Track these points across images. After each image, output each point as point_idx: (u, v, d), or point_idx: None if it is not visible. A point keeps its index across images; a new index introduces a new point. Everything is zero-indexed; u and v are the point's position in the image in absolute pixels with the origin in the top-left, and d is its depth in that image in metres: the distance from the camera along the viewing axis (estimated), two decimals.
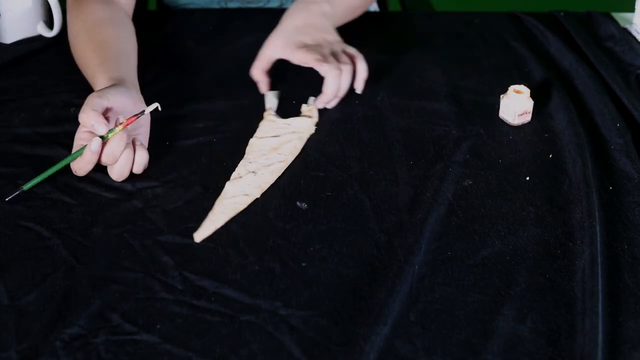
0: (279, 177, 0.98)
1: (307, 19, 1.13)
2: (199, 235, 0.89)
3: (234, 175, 0.99)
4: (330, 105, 1.10)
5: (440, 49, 1.29)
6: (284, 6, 1.45)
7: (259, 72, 1.12)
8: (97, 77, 1.04)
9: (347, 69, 1.07)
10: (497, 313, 0.79)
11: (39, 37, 1.31)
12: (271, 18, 1.37)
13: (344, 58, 1.09)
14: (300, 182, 0.98)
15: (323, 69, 1.07)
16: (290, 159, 1.01)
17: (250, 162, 1.01)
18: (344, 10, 1.21)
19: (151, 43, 1.29)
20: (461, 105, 1.15)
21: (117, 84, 1.00)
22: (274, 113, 1.09)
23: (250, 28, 1.35)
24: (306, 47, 1.08)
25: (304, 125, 1.06)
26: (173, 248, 0.87)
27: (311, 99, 1.12)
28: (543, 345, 0.76)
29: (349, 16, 1.23)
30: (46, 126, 1.07)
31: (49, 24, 1.31)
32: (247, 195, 0.95)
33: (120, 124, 0.93)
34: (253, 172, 0.99)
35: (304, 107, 1.09)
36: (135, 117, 0.95)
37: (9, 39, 1.29)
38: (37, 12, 1.30)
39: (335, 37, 1.13)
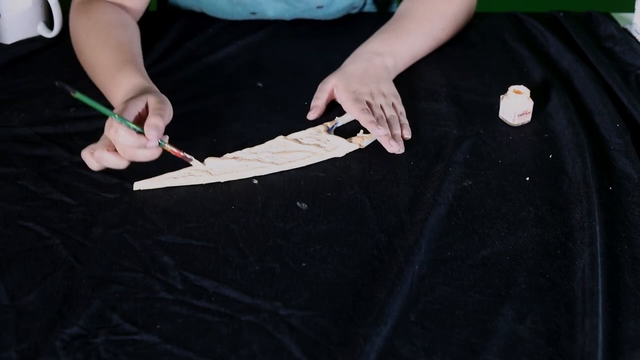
0: (274, 177, 0.98)
1: (367, 70, 1.15)
2: (139, 185, 0.95)
3: (226, 155, 1.00)
4: (392, 149, 1.05)
5: (440, 49, 1.29)
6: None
7: (322, 102, 1.12)
8: (119, 79, 1.03)
9: (383, 121, 1.06)
10: (497, 313, 0.79)
11: (39, 38, 1.31)
12: (271, 22, 1.38)
13: (388, 110, 1.09)
14: (300, 182, 0.98)
15: (361, 119, 1.07)
16: (288, 166, 1.00)
17: (253, 153, 1.01)
18: (406, 62, 1.22)
19: (151, 44, 1.29)
20: (461, 105, 1.15)
21: (154, 92, 1.01)
22: (331, 126, 1.08)
23: (251, 30, 1.35)
24: (358, 98, 1.09)
25: (337, 146, 1.03)
26: (173, 248, 0.87)
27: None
28: (543, 345, 0.76)
29: (410, 64, 1.24)
30: (46, 126, 1.07)
31: (49, 24, 1.31)
32: (211, 174, 0.97)
33: (170, 145, 0.96)
34: (237, 158, 1.00)
35: (360, 132, 1.07)
36: (182, 156, 0.97)
37: (9, 40, 1.29)
38: (37, 13, 1.30)
39: (390, 89, 1.14)
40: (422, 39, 1.25)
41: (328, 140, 1.04)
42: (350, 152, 1.03)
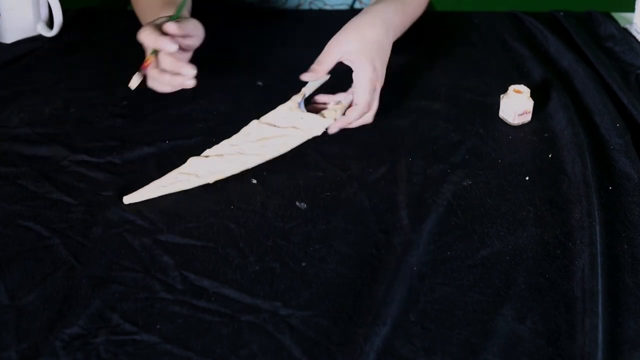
0: (273, 177, 0.98)
1: (382, 41, 1.06)
2: (129, 199, 0.93)
3: (207, 151, 0.99)
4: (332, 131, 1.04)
5: (440, 48, 1.29)
6: (301, 7, 1.45)
7: (323, 69, 1.04)
8: (160, 14, 1.08)
9: (370, 114, 1.05)
10: (497, 313, 0.79)
11: (39, 37, 1.31)
12: (272, 17, 1.38)
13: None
14: (299, 182, 0.98)
15: (361, 94, 1.04)
16: (271, 154, 0.99)
17: (232, 145, 1.00)
18: (396, 38, 1.16)
19: None
20: (461, 105, 1.15)
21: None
22: (300, 100, 1.05)
23: (251, 27, 1.35)
24: (375, 86, 1.04)
25: (312, 124, 1.02)
26: (173, 248, 0.87)
27: (340, 99, 1.06)
28: (543, 345, 0.76)
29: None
30: (46, 126, 1.07)
31: (49, 23, 1.31)
32: (198, 177, 0.96)
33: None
34: (220, 155, 0.99)
35: (330, 105, 1.05)
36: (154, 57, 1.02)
37: (9, 39, 1.29)
38: (37, 12, 1.30)
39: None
40: (409, 14, 1.19)
41: (302, 119, 1.02)
42: (349, 152, 1.03)
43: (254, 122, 1.03)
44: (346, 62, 1.05)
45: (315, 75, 1.04)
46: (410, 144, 1.05)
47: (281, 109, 1.04)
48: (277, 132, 1.01)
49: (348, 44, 1.04)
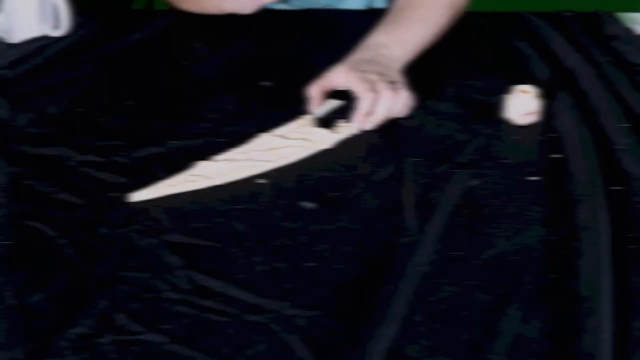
0: (280, 177, 0.99)
1: (375, 57, 1.13)
2: (137, 196, 0.93)
3: (217, 157, 1.00)
4: (366, 127, 1.07)
5: (445, 48, 1.29)
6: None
7: (317, 90, 1.10)
8: None
9: (384, 95, 1.06)
10: (503, 313, 0.79)
11: (46, 37, 1.31)
12: (272, 17, 1.38)
13: (392, 90, 1.07)
14: (306, 182, 0.98)
15: (357, 88, 1.07)
16: (280, 162, 1.00)
17: (242, 152, 1.01)
18: (413, 51, 1.20)
19: (156, 42, 1.29)
20: (467, 105, 1.15)
21: None
22: (313, 118, 1.08)
23: (258, 29, 1.35)
24: (365, 77, 1.08)
25: (323, 137, 1.04)
26: (179, 247, 0.87)
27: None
28: (549, 345, 0.76)
29: (417, 53, 1.23)
30: (52, 126, 1.07)
31: (56, 23, 1.31)
32: (207, 178, 0.96)
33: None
34: (230, 160, 1.00)
35: (341, 122, 1.07)
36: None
37: (16, 39, 1.29)
38: (44, 12, 1.30)
39: (399, 78, 1.12)
40: (424, 26, 1.24)
41: (312, 133, 1.05)
42: (356, 152, 1.03)
43: (265, 135, 1.04)
44: (337, 82, 1.10)
45: (313, 94, 1.09)
46: (416, 143, 1.05)
47: (292, 125, 1.07)
48: (287, 143, 1.03)
49: (330, 70, 1.10)
